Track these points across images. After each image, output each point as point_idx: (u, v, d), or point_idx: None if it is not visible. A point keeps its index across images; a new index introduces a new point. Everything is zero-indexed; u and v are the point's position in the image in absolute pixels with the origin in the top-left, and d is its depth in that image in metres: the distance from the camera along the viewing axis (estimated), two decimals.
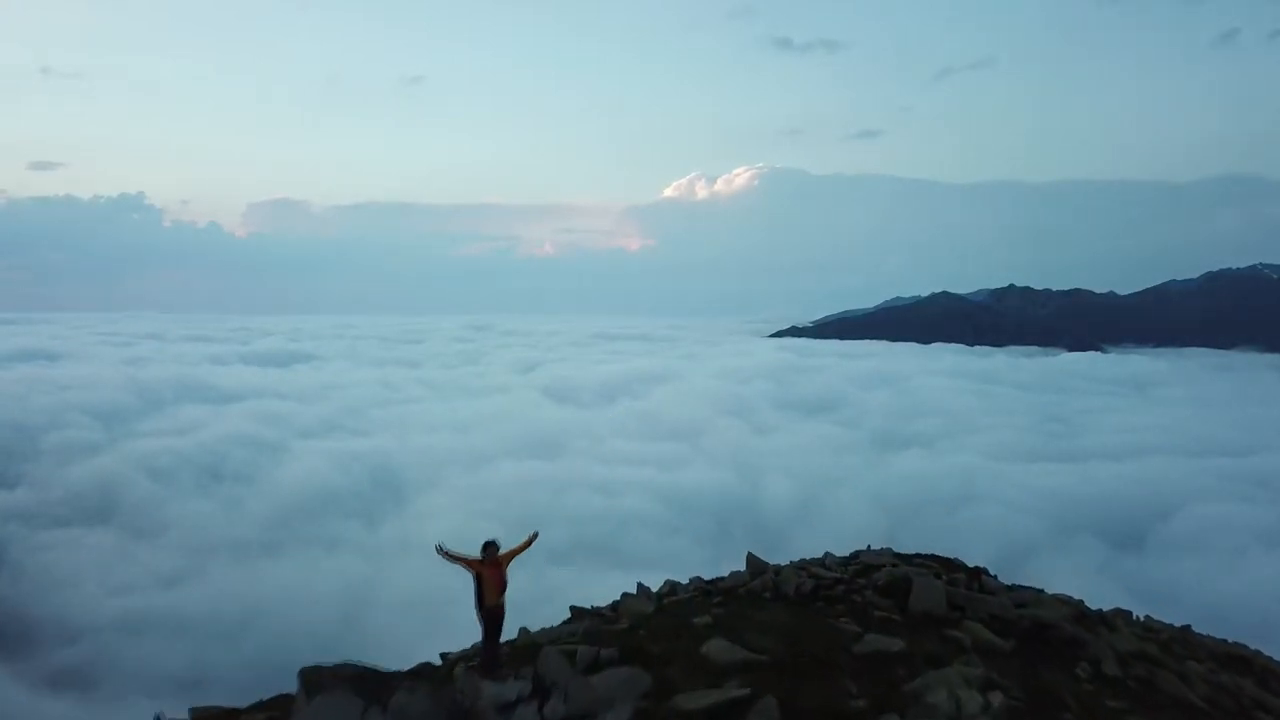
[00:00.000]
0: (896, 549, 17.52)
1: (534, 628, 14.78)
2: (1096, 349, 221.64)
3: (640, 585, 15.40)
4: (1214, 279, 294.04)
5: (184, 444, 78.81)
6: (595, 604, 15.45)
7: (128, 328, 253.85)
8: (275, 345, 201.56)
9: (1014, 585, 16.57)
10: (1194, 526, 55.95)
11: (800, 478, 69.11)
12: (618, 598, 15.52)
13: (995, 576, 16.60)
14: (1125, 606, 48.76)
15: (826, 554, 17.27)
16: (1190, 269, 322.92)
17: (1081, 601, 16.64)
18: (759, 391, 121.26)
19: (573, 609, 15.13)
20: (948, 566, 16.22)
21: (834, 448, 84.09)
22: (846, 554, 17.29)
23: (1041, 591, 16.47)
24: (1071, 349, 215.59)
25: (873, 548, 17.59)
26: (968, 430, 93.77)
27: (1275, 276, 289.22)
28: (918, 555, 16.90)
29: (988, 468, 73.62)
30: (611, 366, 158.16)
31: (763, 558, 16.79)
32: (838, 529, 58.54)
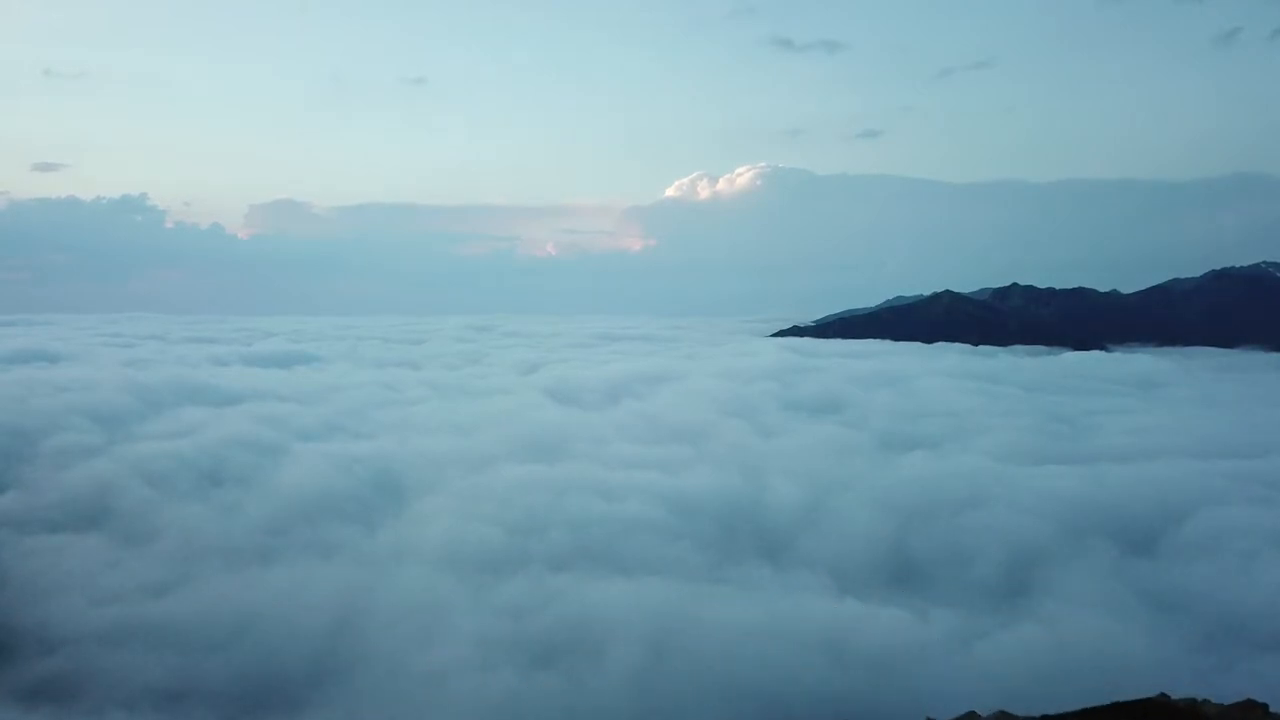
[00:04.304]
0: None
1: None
2: (1100, 348, 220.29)
3: None
4: (1218, 277, 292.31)
5: (182, 447, 78.06)
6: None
7: (130, 329, 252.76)
8: (277, 346, 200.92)
9: None
10: (1206, 530, 54.93)
11: (805, 480, 68.18)
12: None
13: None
14: (1139, 612, 47.63)
15: None
16: (1193, 268, 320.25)
17: None
18: (762, 392, 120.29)
19: None
20: None
21: (839, 449, 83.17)
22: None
23: None
24: (1075, 348, 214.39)
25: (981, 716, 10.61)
26: (973, 431, 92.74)
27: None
28: None
29: (994, 470, 72.60)
30: (614, 367, 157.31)
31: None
32: (845, 533, 57.70)
